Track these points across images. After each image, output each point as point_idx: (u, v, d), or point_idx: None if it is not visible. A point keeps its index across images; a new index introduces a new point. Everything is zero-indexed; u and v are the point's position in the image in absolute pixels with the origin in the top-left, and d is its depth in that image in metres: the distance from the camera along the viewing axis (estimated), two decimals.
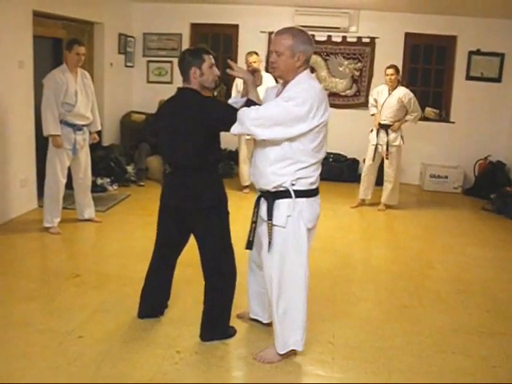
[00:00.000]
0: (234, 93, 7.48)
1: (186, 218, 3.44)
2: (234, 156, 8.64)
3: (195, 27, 9.08)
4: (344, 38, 8.69)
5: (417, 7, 7.85)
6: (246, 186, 7.71)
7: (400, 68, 8.40)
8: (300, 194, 3.11)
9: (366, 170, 7.17)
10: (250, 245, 3.33)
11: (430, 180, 8.50)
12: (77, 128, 5.47)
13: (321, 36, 8.72)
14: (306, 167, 3.08)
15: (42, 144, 5.74)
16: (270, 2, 8.18)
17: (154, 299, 3.76)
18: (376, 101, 7.04)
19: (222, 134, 3.38)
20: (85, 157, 5.68)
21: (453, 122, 8.76)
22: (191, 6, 8.77)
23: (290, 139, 3.02)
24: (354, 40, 8.68)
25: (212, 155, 3.36)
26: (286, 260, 3.19)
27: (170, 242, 3.63)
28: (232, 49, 9.04)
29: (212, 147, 3.35)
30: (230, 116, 3.14)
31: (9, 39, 5.59)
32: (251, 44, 8.68)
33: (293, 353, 3.37)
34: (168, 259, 3.68)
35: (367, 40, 8.64)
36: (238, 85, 7.46)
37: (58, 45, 6.97)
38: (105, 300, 4.03)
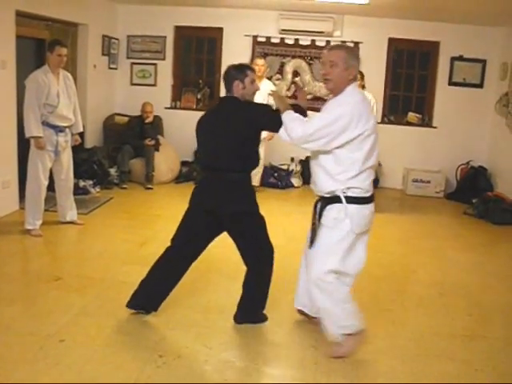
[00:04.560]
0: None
1: (223, 222, 3.61)
2: None
3: (179, 30, 9.06)
4: (328, 42, 8.70)
5: (401, 13, 7.90)
6: None
7: (383, 73, 8.49)
8: (351, 200, 3.26)
9: None
10: (312, 244, 3.47)
11: (412, 184, 8.54)
12: (59, 130, 5.43)
13: (305, 40, 8.78)
14: (356, 175, 3.23)
15: (23, 145, 5.68)
16: (255, 5, 8.18)
17: (155, 293, 3.75)
18: None
19: None
20: (67, 159, 5.63)
21: (435, 127, 8.83)
22: (176, 8, 8.75)
23: (339, 148, 3.19)
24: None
25: (251, 160, 3.59)
26: (319, 258, 3.37)
27: (196, 244, 3.70)
28: (216, 52, 9.03)
29: (252, 152, 3.59)
30: (275, 117, 3.41)
31: None
32: (235, 47, 8.72)
33: (358, 339, 3.45)
34: (187, 259, 3.73)
35: (351, 45, 8.62)
36: None
37: (41, 46, 6.91)
38: (87, 303, 3.99)
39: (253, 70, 3.66)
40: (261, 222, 3.72)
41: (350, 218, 3.26)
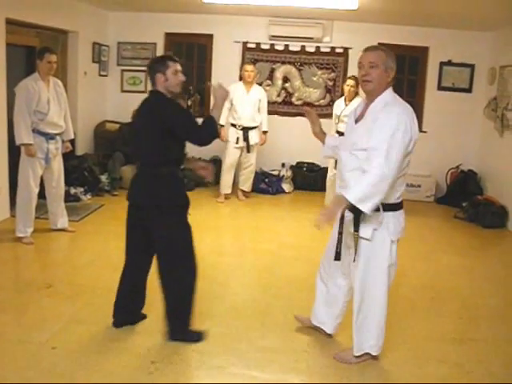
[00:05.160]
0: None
1: (145, 218, 3.48)
2: None
3: (170, 36, 9.06)
4: (318, 48, 8.76)
5: (390, 18, 7.95)
6: (224, 195, 7.75)
7: None
8: (386, 207, 3.15)
9: (329, 181, 7.27)
10: (338, 256, 3.30)
11: None
12: (49, 137, 5.42)
13: (295, 46, 8.81)
14: (396, 180, 3.11)
15: (14, 153, 5.67)
16: (244, 12, 8.21)
17: (128, 307, 3.74)
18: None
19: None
20: (58, 166, 5.62)
21: (425, 132, 8.86)
22: (166, 15, 8.77)
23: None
24: (328, 50, 8.76)
25: (172, 154, 3.47)
26: (369, 271, 3.27)
27: (138, 247, 3.61)
28: (206, 58, 9.04)
29: (172, 146, 3.45)
30: (189, 125, 3.40)
31: None
32: (225, 53, 8.75)
33: (370, 357, 3.44)
34: (139, 265, 3.66)
35: (340, 50, 8.72)
36: (231, 92, 7.51)
37: (31, 53, 6.90)
38: (78, 310, 3.99)
39: (175, 61, 3.53)
40: (180, 226, 3.52)
41: (387, 226, 3.18)
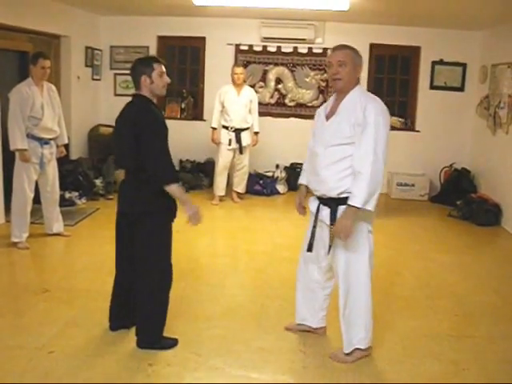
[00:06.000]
0: (216, 102, 7.59)
1: (128, 224, 3.45)
2: (202, 168, 8.67)
3: (162, 40, 9.08)
4: (310, 49, 8.79)
5: (381, 19, 7.98)
6: (219, 197, 7.77)
7: (365, 78, 8.56)
8: None
9: None
10: (310, 247, 3.47)
11: (397, 188, 8.60)
12: (44, 142, 5.43)
13: (287, 47, 8.83)
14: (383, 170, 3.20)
15: (8, 158, 5.67)
16: (237, 14, 8.22)
17: (122, 312, 3.72)
18: None
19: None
20: (52, 171, 5.63)
21: (418, 131, 8.92)
22: (158, 18, 8.78)
23: (352, 149, 3.17)
24: (320, 51, 8.78)
25: (151, 161, 3.31)
26: (352, 264, 3.35)
27: (126, 252, 3.58)
28: (199, 61, 9.06)
29: (150, 153, 3.30)
30: (155, 152, 3.25)
31: None
32: (218, 56, 8.76)
33: (361, 352, 3.45)
34: (128, 271, 3.60)
35: None
36: (221, 94, 7.55)
37: (23, 58, 6.90)
38: (75, 314, 3.99)
39: (160, 63, 3.43)
40: (158, 233, 3.44)
41: (363, 217, 3.25)
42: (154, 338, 3.53)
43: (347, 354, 3.45)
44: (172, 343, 3.58)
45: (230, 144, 7.59)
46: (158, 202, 3.38)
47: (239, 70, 7.58)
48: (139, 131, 3.25)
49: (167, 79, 3.47)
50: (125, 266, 3.62)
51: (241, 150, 7.67)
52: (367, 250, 3.37)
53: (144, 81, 3.38)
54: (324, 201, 3.36)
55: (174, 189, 3.29)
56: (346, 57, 3.25)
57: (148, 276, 3.46)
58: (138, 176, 3.36)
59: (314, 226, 3.43)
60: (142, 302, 3.51)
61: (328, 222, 3.31)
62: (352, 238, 3.25)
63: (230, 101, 7.53)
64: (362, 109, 3.16)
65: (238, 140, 7.58)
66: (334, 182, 3.24)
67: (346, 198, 3.18)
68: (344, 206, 3.20)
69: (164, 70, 3.44)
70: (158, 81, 3.40)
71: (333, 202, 3.28)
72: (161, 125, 3.36)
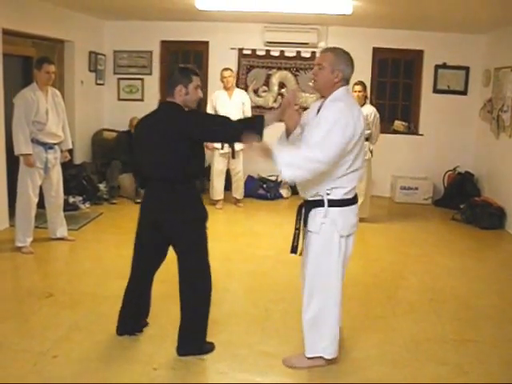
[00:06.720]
0: (209, 107, 7.57)
1: (165, 233, 3.44)
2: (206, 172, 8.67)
3: (166, 44, 9.11)
4: (313, 53, 8.79)
5: (384, 22, 7.99)
6: (218, 201, 7.75)
7: (368, 82, 8.55)
8: (334, 203, 3.22)
9: None
10: (294, 249, 3.49)
11: (400, 192, 8.60)
12: (48, 147, 5.45)
13: (290, 52, 8.85)
14: (339, 177, 3.19)
15: (12, 163, 5.69)
16: (239, 19, 8.24)
17: (133, 317, 3.73)
18: None
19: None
20: (56, 175, 5.65)
21: (421, 135, 8.91)
22: (161, 23, 8.81)
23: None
24: None
25: (192, 168, 3.38)
26: (319, 266, 3.31)
27: (149, 259, 3.60)
28: (203, 65, 9.08)
29: (192, 160, 3.36)
30: (215, 128, 3.33)
31: None
32: (221, 60, 8.75)
33: (324, 361, 3.40)
34: (146, 276, 3.66)
35: None
36: (214, 99, 7.55)
37: (27, 63, 6.94)
38: (79, 319, 4.00)
39: (198, 75, 3.41)
40: (201, 241, 3.48)
41: (335, 221, 3.22)
42: (199, 345, 3.54)
43: (309, 358, 3.41)
44: (210, 348, 3.58)
45: (222, 148, 7.53)
46: (198, 210, 3.44)
47: (227, 73, 7.56)
48: (189, 125, 3.29)
49: (201, 94, 3.46)
50: (141, 273, 3.64)
51: (233, 154, 7.63)
52: (336, 256, 3.29)
53: (180, 90, 3.34)
54: (304, 203, 3.41)
55: (250, 132, 3.27)
56: (324, 60, 3.27)
57: (194, 284, 3.48)
58: (176, 184, 3.35)
59: (297, 229, 3.45)
60: (187, 309, 3.49)
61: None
62: (320, 242, 3.27)
63: (222, 105, 7.48)
64: (326, 107, 3.23)
65: (231, 144, 7.52)
66: (310, 184, 3.24)
67: (320, 201, 3.22)
68: (317, 208, 3.24)
69: (200, 84, 3.44)
70: (192, 93, 3.38)
71: (308, 204, 3.32)
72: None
